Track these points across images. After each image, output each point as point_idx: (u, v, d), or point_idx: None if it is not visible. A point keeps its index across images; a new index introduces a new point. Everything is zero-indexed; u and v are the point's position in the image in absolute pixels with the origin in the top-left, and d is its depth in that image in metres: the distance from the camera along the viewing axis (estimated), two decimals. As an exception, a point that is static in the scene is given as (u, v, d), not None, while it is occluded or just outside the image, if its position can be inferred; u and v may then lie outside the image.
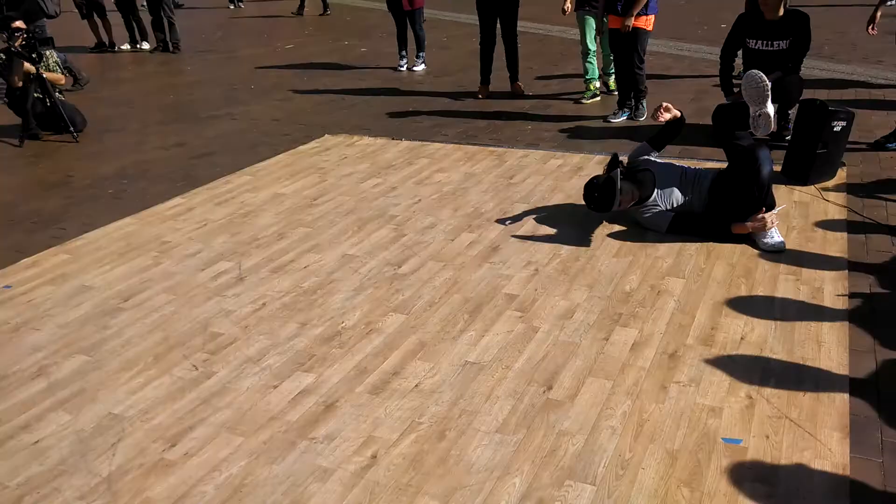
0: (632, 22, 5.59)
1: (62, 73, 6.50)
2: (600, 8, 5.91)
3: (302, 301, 3.27)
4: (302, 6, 14.76)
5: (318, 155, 5.47)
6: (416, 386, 2.62)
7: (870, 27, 4.83)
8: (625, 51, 5.79)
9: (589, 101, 6.59)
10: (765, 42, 4.98)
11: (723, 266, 3.41)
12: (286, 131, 6.23)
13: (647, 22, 5.64)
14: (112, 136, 6.38)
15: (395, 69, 8.73)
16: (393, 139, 5.78)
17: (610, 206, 3.69)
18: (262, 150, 5.68)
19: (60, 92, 6.48)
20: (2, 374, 2.82)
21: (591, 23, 6.34)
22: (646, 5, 5.58)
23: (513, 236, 3.85)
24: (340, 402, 2.55)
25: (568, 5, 6.59)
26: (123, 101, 7.82)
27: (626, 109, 5.98)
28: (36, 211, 4.64)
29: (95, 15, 11.32)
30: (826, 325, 2.88)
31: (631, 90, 5.97)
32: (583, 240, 3.77)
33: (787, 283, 3.22)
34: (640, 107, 6.00)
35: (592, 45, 6.43)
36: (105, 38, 11.56)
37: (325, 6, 14.66)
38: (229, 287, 3.43)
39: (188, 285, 3.47)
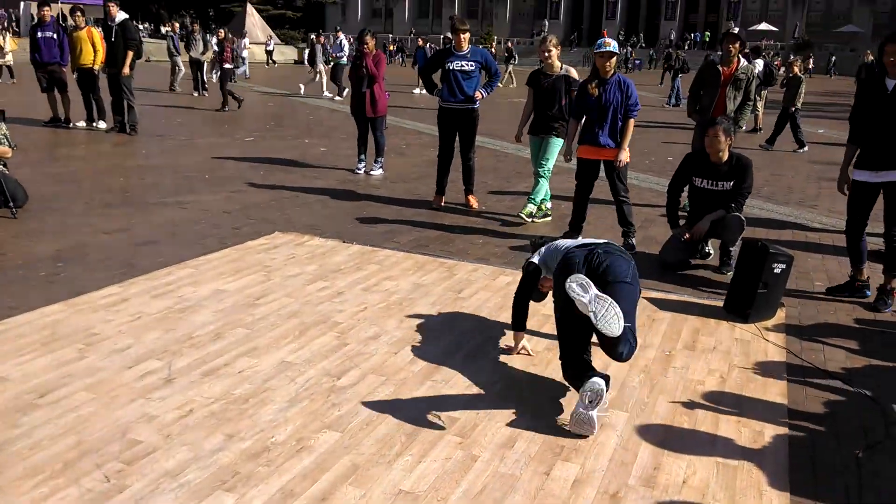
0: (626, 156, 5.70)
1: (9, 146, 6.35)
2: (568, 135, 6.09)
3: (232, 410, 3.10)
4: (225, 102, 14.87)
5: (266, 252, 5.38)
6: (345, 515, 2.46)
7: (844, 188, 4.89)
8: (591, 180, 5.90)
9: (540, 220, 6.71)
10: (710, 182, 5.21)
11: (665, 402, 3.38)
12: (236, 225, 6.15)
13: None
14: (54, 215, 6.19)
15: (352, 171, 8.82)
16: (344, 242, 5.74)
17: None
18: (209, 243, 5.56)
19: (4, 165, 6.31)
20: None
21: (537, 144, 6.59)
22: None
23: (457, 354, 3.78)
24: (262, 529, 2.36)
25: (516, 135, 6.86)
26: (71, 179, 7.66)
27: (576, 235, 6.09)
28: (-42, 289, 4.39)
29: (56, 90, 11.27)
30: (767, 473, 2.84)
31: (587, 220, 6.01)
32: (529, 363, 3.72)
33: (728, 424, 3.20)
34: (630, 244, 5.81)
35: (541, 167, 6.61)
36: (62, 114, 11.47)
37: (224, 102, 14.86)
38: (156, 389, 3.24)
39: (111, 384, 3.26)
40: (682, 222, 5.54)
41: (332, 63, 19.13)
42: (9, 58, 18.44)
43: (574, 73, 6.61)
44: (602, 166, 5.84)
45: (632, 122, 5.68)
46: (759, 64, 13.54)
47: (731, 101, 6.68)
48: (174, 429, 2.92)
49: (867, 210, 4.77)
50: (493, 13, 65.21)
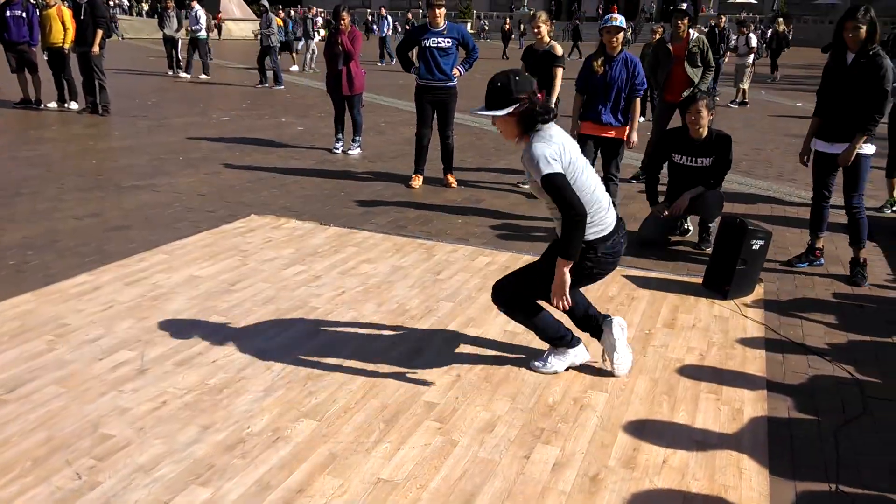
0: (634, 137, 5.69)
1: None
2: (573, 110, 6.02)
3: (206, 401, 3.04)
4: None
5: (242, 236, 5.29)
6: (323, 506, 2.42)
7: (804, 158, 4.95)
8: (591, 157, 5.82)
9: (525, 187, 6.80)
10: (689, 158, 5.18)
11: (645, 381, 3.37)
12: (211, 208, 6.04)
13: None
14: (23, 201, 6.05)
15: (330, 151, 8.71)
16: (321, 224, 5.67)
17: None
18: (183, 227, 5.46)
19: (-29, 151, 6.15)
20: None
21: None
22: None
23: (436, 338, 3.74)
24: (237, 523, 2.32)
25: None
26: (41, 163, 7.49)
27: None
28: (-76, 280, 4.28)
29: (26, 70, 10.99)
30: (746, 451, 2.85)
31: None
32: (507, 345, 3.69)
33: (707, 402, 3.20)
34: None
35: None
36: (32, 95, 11.21)
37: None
38: (128, 380, 3.18)
39: (82, 376, 3.19)
40: (660, 199, 5.52)
41: (189, 37, 16.98)
42: None
43: (558, 50, 6.56)
44: (601, 144, 5.78)
45: (638, 101, 5.66)
46: (753, 39, 14.17)
47: (694, 75, 6.87)
48: (147, 421, 2.87)
49: (826, 179, 4.87)
50: (471, -13, 64.52)
